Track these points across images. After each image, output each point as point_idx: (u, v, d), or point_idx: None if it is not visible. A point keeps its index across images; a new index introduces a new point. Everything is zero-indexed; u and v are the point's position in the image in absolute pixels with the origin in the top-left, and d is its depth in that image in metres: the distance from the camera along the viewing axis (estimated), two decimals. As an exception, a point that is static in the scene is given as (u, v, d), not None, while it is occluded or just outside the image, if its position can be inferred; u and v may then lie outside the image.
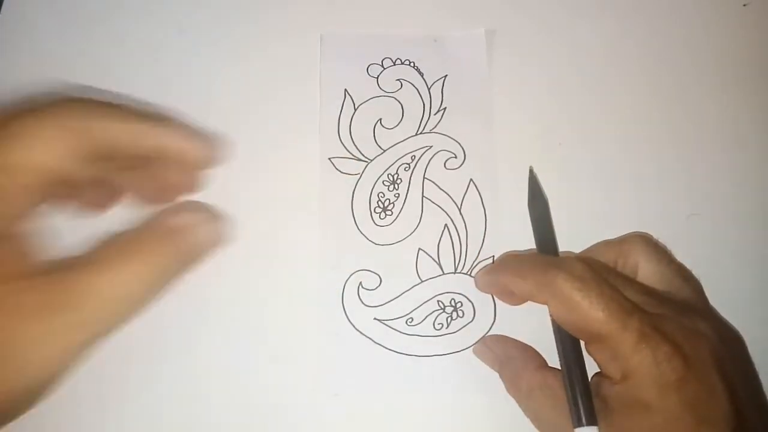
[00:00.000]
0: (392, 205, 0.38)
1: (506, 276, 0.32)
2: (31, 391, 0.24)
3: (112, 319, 0.25)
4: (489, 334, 0.35)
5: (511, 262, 0.34)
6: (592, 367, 0.30)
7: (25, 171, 0.25)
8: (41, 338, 0.24)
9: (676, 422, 0.26)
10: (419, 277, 0.36)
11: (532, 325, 0.35)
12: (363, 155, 0.39)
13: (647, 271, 0.32)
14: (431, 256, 0.37)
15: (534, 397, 0.31)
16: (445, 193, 0.38)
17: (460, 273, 0.37)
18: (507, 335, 0.35)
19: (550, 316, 0.30)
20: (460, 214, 0.38)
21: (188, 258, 0.27)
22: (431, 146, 0.39)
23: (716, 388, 0.26)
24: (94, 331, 0.25)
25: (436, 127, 0.40)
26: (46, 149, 0.25)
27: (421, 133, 0.39)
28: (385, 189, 0.38)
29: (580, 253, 0.35)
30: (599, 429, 0.27)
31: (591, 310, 0.27)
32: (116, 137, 0.27)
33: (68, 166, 0.26)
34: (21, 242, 0.25)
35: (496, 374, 0.34)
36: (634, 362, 0.26)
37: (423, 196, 0.38)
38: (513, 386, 0.32)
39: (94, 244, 0.26)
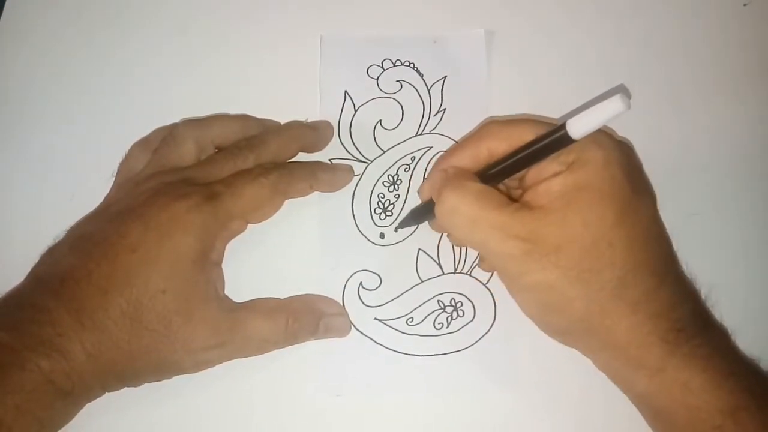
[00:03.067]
0: (392, 205, 0.38)
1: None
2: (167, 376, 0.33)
3: (247, 354, 0.34)
4: (489, 333, 0.35)
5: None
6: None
7: None
8: (201, 359, 0.32)
9: (615, 192, 0.29)
10: (419, 277, 0.37)
11: (533, 325, 0.36)
12: (363, 156, 0.39)
13: None
14: (431, 257, 0.37)
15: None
16: (445, 193, 0.38)
17: (460, 273, 0.37)
18: (509, 331, 0.35)
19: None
20: (460, 214, 0.38)
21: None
22: (431, 147, 0.39)
23: (643, 171, 0.33)
24: (231, 358, 0.33)
25: (436, 127, 0.40)
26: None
27: (421, 134, 0.40)
28: (385, 190, 0.38)
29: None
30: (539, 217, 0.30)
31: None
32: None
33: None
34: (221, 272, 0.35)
35: (496, 374, 0.34)
36: (584, 152, 0.30)
37: (423, 196, 0.38)
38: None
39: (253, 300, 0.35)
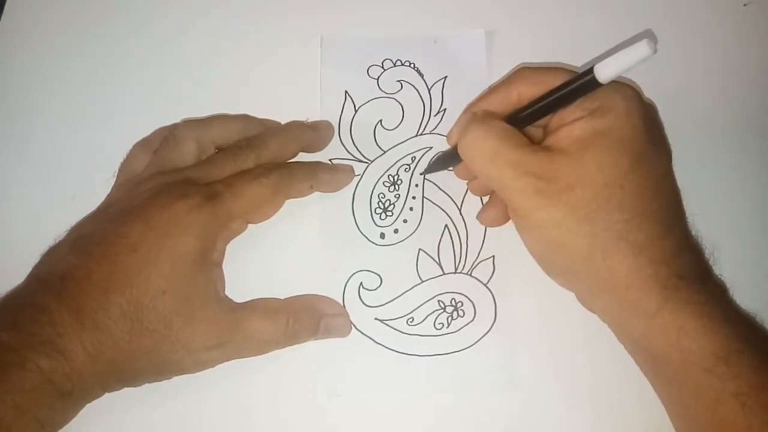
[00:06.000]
0: (392, 205, 0.38)
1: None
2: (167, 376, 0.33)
3: (248, 354, 0.34)
4: (489, 333, 0.35)
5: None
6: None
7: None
8: (201, 359, 0.32)
9: (633, 141, 0.30)
10: (420, 277, 0.37)
11: (533, 324, 0.36)
12: (363, 156, 0.39)
13: None
14: (431, 256, 0.37)
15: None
16: (445, 193, 0.38)
17: (460, 273, 0.37)
18: (509, 331, 0.35)
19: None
20: (460, 214, 0.38)
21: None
22: (431, 147, 0.39)
23: (661, 126, 0.34)
24: (231, 358, 0.33)
25: (436, 128, 0.40)
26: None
27: (421, 134, 0.40)
28: (385, 190, 0.38)
29: None
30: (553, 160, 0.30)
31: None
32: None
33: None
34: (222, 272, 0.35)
35: (496, 374, 0.34)
36: (608, 101, 0.30)
37: (423, 196, 0.38)
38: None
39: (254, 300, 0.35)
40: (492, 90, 0.35)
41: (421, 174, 0.39)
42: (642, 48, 0.27)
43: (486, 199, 0.38)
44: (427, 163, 0.39)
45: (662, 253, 0.30)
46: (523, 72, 0.34)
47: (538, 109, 0.32)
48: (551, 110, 0.32)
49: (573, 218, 0.30)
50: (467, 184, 0.38)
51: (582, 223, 0.30)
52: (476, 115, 0.34)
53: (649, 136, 0.31)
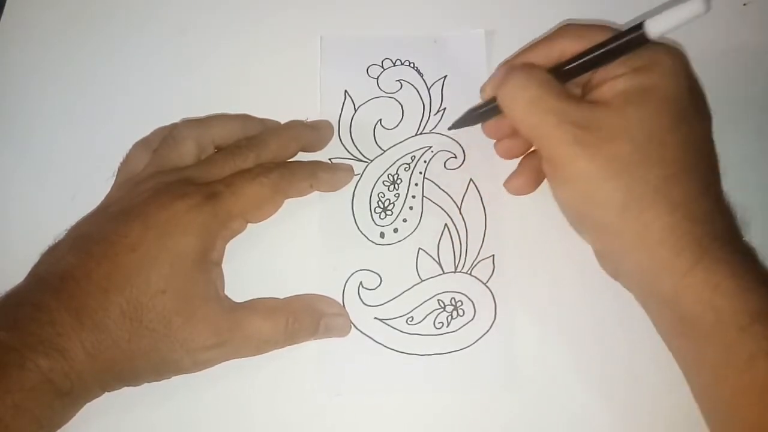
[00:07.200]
0: (392, 205, 0.38)
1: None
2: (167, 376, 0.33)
3: (247, 354, 0.34)
4: (489, 333, 0.35)
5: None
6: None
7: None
8: (201, 359, 0.32)
9: (677, 100, 0.30)
10: (419, 277, 0.37)
11: (533, 323, 0.36)
12: (363, 156, 0.39)
13: None
14: (431, 256, 0.37)
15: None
16: (445, 193, 0.38)
17: (460, 272, 0.37)
18: (509, 330, 0.35)
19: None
20: (460, 214, 0.38)
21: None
22: (431, 146, 0.39)
23: (703, 93, 0.33)
24: (231, 358, 0.33)
25: (436, 127, 0.40)
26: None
27: (421, 134, 0.40)
28: (385, 189, 0.38)
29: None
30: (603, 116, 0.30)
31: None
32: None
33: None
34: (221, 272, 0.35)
35: (496, 374, 0.34)
36: (654, 58, 0.30)
37: (423, 196, 0.38)
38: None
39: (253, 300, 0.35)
40: (533, 45, 0.34)
41: (449, 128, 0.38)
42: (695, 4, 0.27)
43: (486, 198, 0.38)
44: (459, 116, 0.38)
45: (698, 211, 0.29)
46: (568, 28, 0.34)
47: (583, 63, 0.32)
48: (596, 65, 0.31)
49: (611, 170, 0.29)
50: (494, 145, 0.37)
51: (620, 175, 0.29)
52: (516, 65, 0.33)
53: (692, 99, 0.31)
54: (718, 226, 0.30)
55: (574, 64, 0.32)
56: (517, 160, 0.37)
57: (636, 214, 0.29)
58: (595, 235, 0.33)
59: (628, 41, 0.30)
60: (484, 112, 0.36)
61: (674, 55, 0.31)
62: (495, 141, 0.37)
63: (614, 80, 0.31)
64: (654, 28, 0.29)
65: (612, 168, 0.29)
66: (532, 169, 0.36)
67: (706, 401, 0.30)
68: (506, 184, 0.37)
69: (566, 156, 0.30)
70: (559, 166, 0.31)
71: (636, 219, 0.29)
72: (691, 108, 0.31)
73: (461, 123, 0.38)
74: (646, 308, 0.32)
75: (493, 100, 0.34)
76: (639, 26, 0.29)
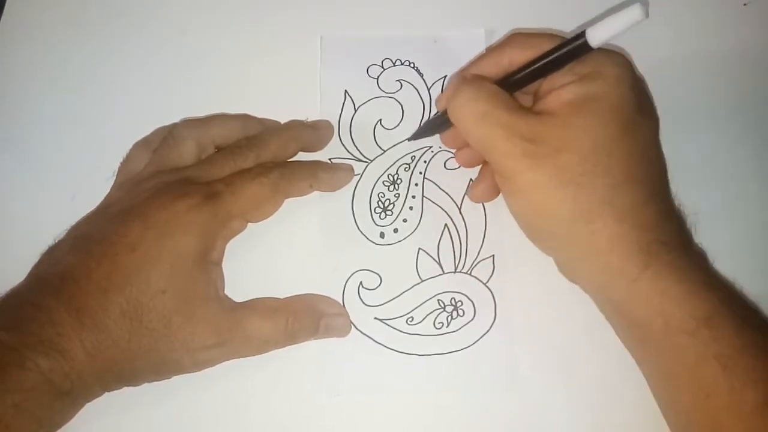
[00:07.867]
0: (392, 205, 0.38)
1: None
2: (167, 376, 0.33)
3: (247, 354, 0.34)
4: (489, 333, 0.35)
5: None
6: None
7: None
8: (200, 359, 0.32)
9: (623, 108, 0.30)
10: (419, 277, 0.37)
11: (533, 323, 0.36)
12: (363, 156, 0.39)
13: None
14: (431, 256, 0.37)
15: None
16: (445, 193, 0.38)
17: (460, 272, 0.37)
18: (509, 330, 0.35)
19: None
20: (460, 214, 0.38)
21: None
22: (431, 146, 0.39)
23: (650, 96, 0.33)
24: (231, 358, 0.33)
25: (436, 127, 0.40)
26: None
27: (421, 134, 0.40)
28: (385, 189, 0.38)
29: None
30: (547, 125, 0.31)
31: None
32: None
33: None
34: (221, 272, 0.35)
35: (496, 374, 0.34)
36: (599, 67, 0.31)
37: (423, 196, 0.38)
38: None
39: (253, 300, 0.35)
40: (483, 55, 0.35)
41: (408, 140, 0.39)
42: (634, 11, 0.27)
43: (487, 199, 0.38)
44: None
45: (646, 219, 0.30)
46: (515, 37, 0.34)
47: (529, 72, 0.32)
48: (542, 74, 0.32)
49: (558, 181, 0.30)
50: (455, 154, 0.38)
51: (567, 186, 0.30)
52: (466, 78, 0.34)
53: (637, 104, 0.31)
54: (666, 231, 0.30)
55: (522, 74, 0.32)
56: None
57: (585, 224, 0.30)
58: (549, 244, 0.33)
59: (572, 50, 0.30)
60: (440, 124, 0.36)
61: (618, 62, 0.31)
62: (455, 150, 0.38)
63: (560, 89, 0.31)
64: (595, 36, 0.29)
65: (559, 179, 0.30)
66: (492, 176, 0.36)
67: (662, 404, 0.31)
68: (469, 192, 0.38)
69: (516, 169, 0.31)
70: (510, 179, 0.31)
71: (585, 229, 0.30)
72: (636, 115, 0.31)
73: (420, 134, 0.39)
74: (604, 314, 0.33)
75: (446, 112, 0.34)
76: (581, 35, 0.29)
